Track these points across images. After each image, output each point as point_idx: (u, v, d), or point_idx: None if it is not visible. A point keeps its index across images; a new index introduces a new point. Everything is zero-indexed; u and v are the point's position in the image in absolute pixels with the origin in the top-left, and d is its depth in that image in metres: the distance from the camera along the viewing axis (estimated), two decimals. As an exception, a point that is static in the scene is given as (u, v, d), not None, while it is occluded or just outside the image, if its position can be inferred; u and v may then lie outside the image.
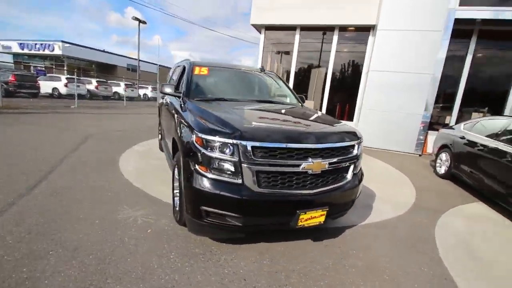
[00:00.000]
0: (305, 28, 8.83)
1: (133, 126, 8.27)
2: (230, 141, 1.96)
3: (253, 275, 2.02)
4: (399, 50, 7.24)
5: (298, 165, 2.05)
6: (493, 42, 7.53)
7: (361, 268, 2.25)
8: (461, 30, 7.09)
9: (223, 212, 2.00)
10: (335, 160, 2.22)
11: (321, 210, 2.15)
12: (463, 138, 4.84)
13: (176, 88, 3.30)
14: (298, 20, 8.52)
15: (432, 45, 6.97)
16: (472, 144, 4.53)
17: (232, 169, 1.98)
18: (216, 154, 1.99)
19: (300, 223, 2.10)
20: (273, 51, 9.77)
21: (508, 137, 3.94)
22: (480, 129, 4.67)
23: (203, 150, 2.02)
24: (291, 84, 9.19)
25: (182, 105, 2.93)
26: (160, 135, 5.27)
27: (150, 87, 25.75)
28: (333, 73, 8.78)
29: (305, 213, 2.08)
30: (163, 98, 4.75)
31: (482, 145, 4.27)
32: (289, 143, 2.02)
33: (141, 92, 24.87)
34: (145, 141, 6.09)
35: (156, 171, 4.12)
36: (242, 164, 1.96)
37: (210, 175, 2.01)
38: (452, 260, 2.50)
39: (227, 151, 1.97)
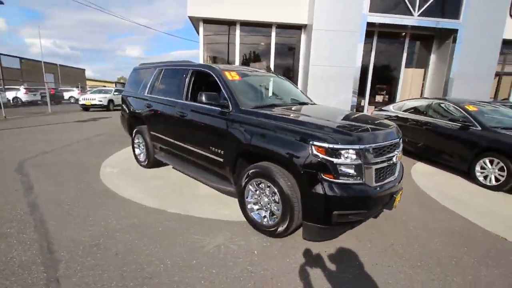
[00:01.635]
0: (245, 24, 9.00)
1: (57, 143, 6.47)
2: (356, 146, 2.15)
3: (378, 262, 2.34)
4: (331, 47, 8.52)
5: (392, 157, 2.45)
6: (387, 40, 9.92)
7: (418, 227, 2.93)
8: (368, 31, 8.98)
9: (353, 211, 2.20)
10: (401, 148, 2.75)
11: (401, 191, 2.65)
12: (396, 116, 6.41)
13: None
14: (238, 15, 8.58)
15: (353, 43, 8.57)
16: (405, 120, 6.09)
17: (356, 171, 2.19)
18: (342, 160, 2.14)
19: (394, 204, 2.53)
20: (213, 44, 9.48)
21: (433, 113, 5.57)
22: (407, 109, 6.30)
23: (328, 158, 2.12)
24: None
25: (235, 114, 2.78)
26: (138, 151, 4.50)
27: (22, 88, 19.68)
28: (275, 68, 9.42)
29: (397, 195, 2.53)
30: (149, 106, 4.09)
31: (415, 120, 5.82)
32: (391, 140, 2.40)
33: (10, 95, 18.76)
34: (105, 160, 5.02)
35: (173, 191, 3.64)
36: (364, 165, 2.20)
37: (338, 181, 2.14)
38: (451, 205, 3.55)
39: (352, 156, 2.15)
